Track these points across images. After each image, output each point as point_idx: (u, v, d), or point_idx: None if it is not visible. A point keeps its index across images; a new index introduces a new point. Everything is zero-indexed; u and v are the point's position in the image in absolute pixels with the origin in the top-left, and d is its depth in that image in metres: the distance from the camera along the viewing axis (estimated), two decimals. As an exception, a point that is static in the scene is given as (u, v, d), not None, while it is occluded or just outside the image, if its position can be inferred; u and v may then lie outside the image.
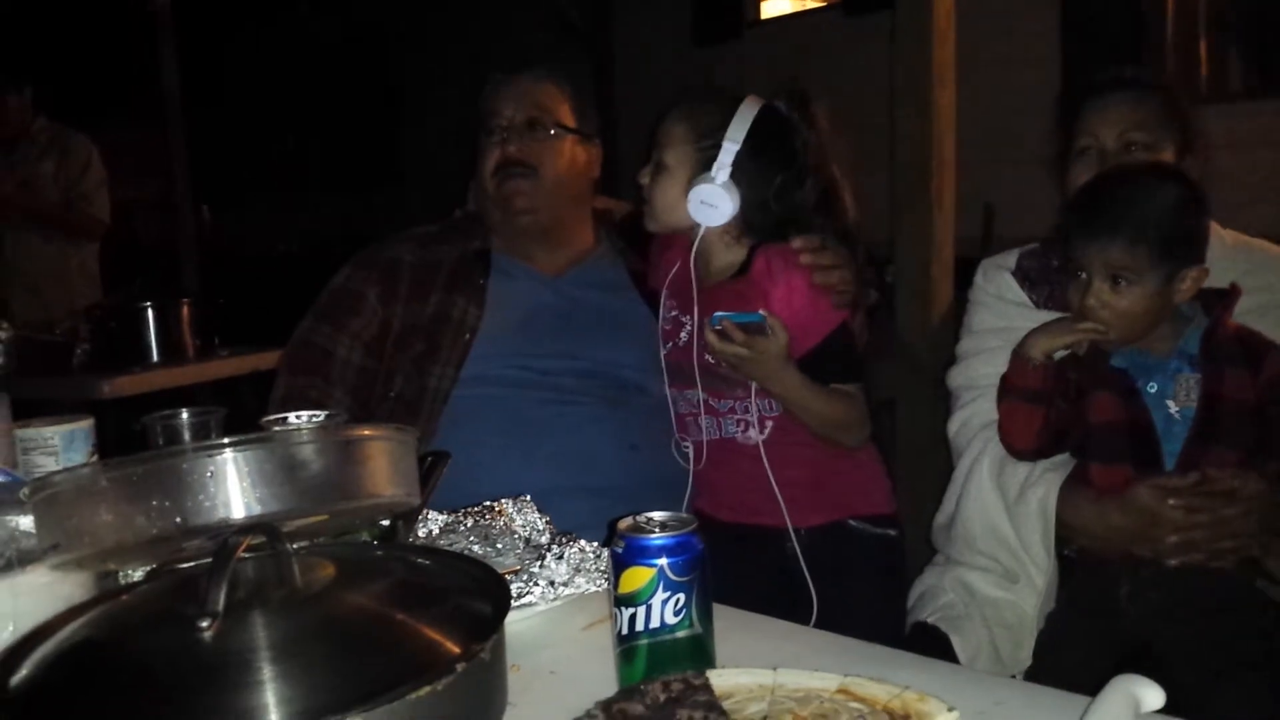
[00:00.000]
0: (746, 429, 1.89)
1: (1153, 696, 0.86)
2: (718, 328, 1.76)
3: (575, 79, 2.19)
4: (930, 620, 1.73)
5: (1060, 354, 1.65)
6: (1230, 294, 1.62)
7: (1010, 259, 1.92)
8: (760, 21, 9.25)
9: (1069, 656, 1.62)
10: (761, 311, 1.76)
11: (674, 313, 1.97)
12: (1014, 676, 1.67)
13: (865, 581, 1.88)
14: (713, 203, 1.84)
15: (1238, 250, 1.79)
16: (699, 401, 1.92)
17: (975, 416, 1.84)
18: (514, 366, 1.97)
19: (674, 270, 1.97)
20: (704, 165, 1.86)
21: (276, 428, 1.25)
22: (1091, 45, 6.31)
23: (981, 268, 1.95)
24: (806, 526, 1.87)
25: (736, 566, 1.72)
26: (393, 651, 0.83)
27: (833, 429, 1.88)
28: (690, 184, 1.86)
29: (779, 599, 1.75)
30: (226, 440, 0.87)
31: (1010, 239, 1.97)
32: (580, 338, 2.01)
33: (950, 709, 0.86)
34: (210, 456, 0.87)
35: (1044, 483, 1.68)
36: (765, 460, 1.85)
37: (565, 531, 1.28)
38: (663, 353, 1.97)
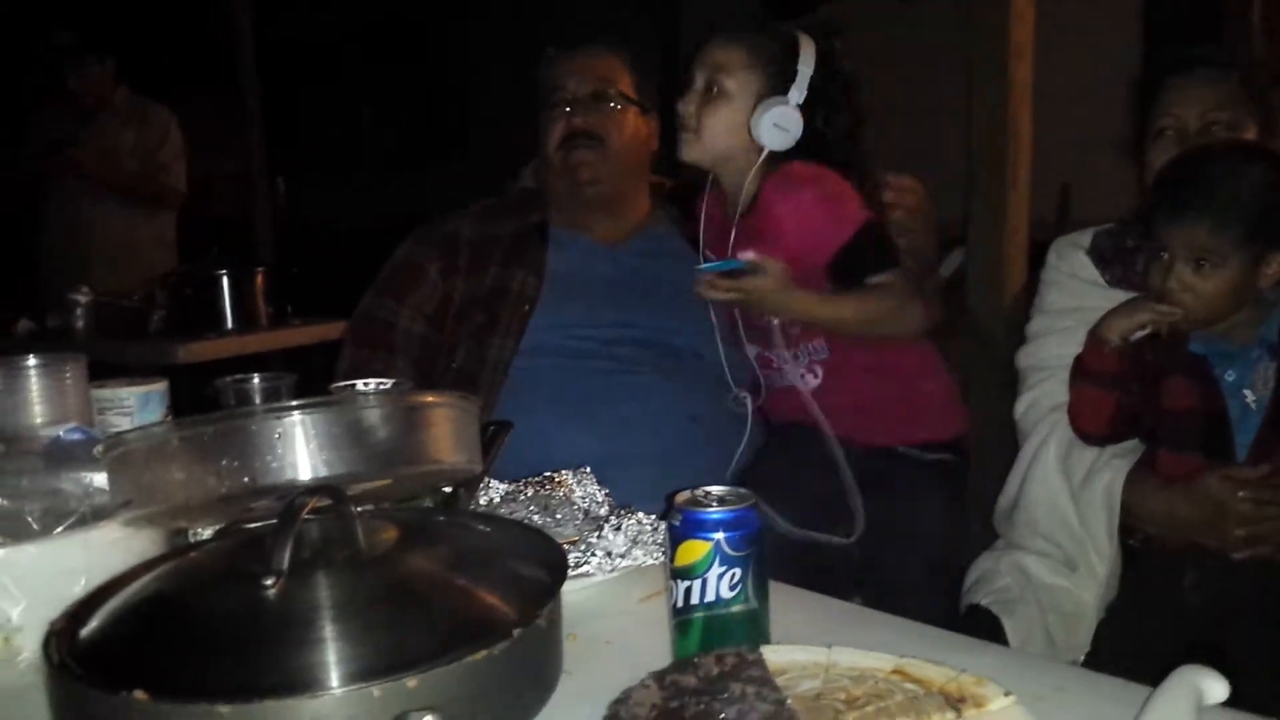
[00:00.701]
0: (803, 375, 1.92)
1: (1217, 688, 0.85)
2: (704, 283, 1.81)
3: (636, 53, 2.20)
4: (984, 603, 1.72)
5: (1138, 335, 1.62)
6: None
7: (1085, 238, 1.88)
8: (828, 2, 9.11)
9: (1130, 646, 1.60)
10: (740, 257, 1.79)
11: (707, 255, 1.99)
12: (1071, 664, 1.65)
13: (915, 511, 1.89)
14: (786, 126, 1.87)
15: None
16: (755, 355, 1.96)
17: (1044, 398, 1.81)
18: (572, 337, 1.99)
19: (703, 218, 2.00)
20: (771, 90, 1.88)
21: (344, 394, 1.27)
22: (1174, 25, 6.13)
23: (1055, 246, 1.92)
24: (857, 447, 1.86)
25: (791, 469, 1.85)
26: (452, 615, 0.84)
27: (874, 327, 1.88)
28: (757, 108, 1.87)
29: (832, 507, 1.81)
30: (294, 403, 0.89)
31: (1086, 222, 1.93)
32: (637, 306, 2.03)
33: (1007, 693, 0.85)
34: (279, 418, 0.88)
35: (1111, 468, 1.65)
36: (815, 404, 1.87)
37: (624, 504, 1.28)
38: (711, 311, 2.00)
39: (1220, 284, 1.52)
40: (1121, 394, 1.60)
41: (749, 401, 1.98)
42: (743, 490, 1.01)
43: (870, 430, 1.91)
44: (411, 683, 0.74)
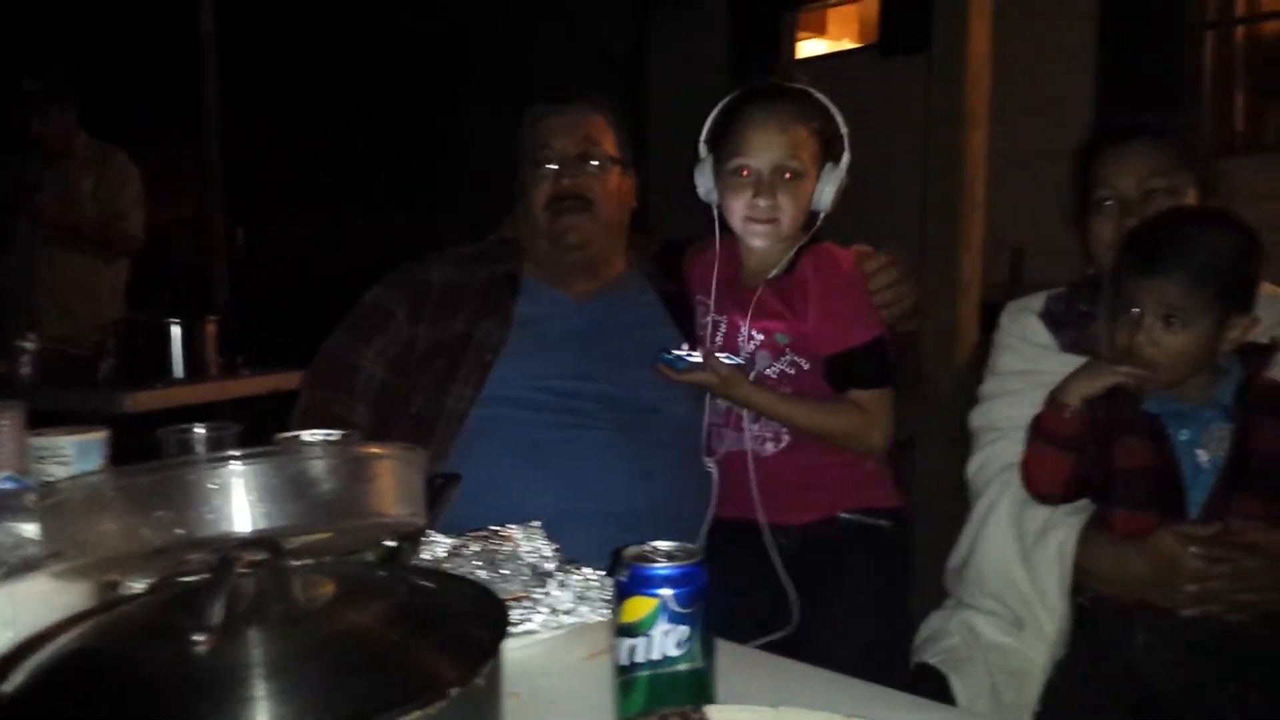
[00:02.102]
0: (764, 442, 1.94)
1: (1164, 750, 0.84)
2: (660, 368, 1.85)
3: (616, 109, 2.21)
4: (932, 662, 1.71)
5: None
6: (1270, 348, 1.60)
7: (1037, 302, 1.90)
8: (796, 61, 9.29)
9: (1079, 704, 1.59)
10: (697, 355, 1.83)
11: (710, 315, 2.00)
12: (1019, 724, 1.64)
13: (857, 573, 1.92)
14: (835, 189, 1.94)
15: (1272, 301, 1.76)
16: (724, 409, 1.97)
17: (995, 458, 1.82)
18: (532, 388, 1.98)
19: (714, 274, 2.00)
20: (825, 157, 1.94)
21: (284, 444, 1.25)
22: (1126, 95, 6.29)
23: (1007, 310, 1.94)
24: (799, 524, 1.92)
25: (736, 562, 1.87)
26: (388, 673, 0.81)
27: (831, 439, 1.92)
28: (821, 177, 1.93)
29: (775, 596, 1.87)
30: (232, 453, 0.87)
31: (1038, 284, 1.96)
32: (601, 360, 2.02)
33: (953, 755, 0.85)
34: (215, 469, 0.86)
35: (1064, 526, 1.66)
36: (751, 468, 1.92)
37: (573, 560, 1.27)
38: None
39: (1187, 342, 1.55)
40: (1078, 456, 1.62)
41: (714, 465, 1.99)
42: (691, 546, 1.00)
43: (814, 502, 1.95)
44: (343, 743, 0.72)
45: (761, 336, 1.93)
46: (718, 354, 1.86)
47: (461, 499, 1.72)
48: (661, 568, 0.95)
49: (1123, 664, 1.58)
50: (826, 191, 1.93)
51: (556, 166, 2.08)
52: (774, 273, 1.95)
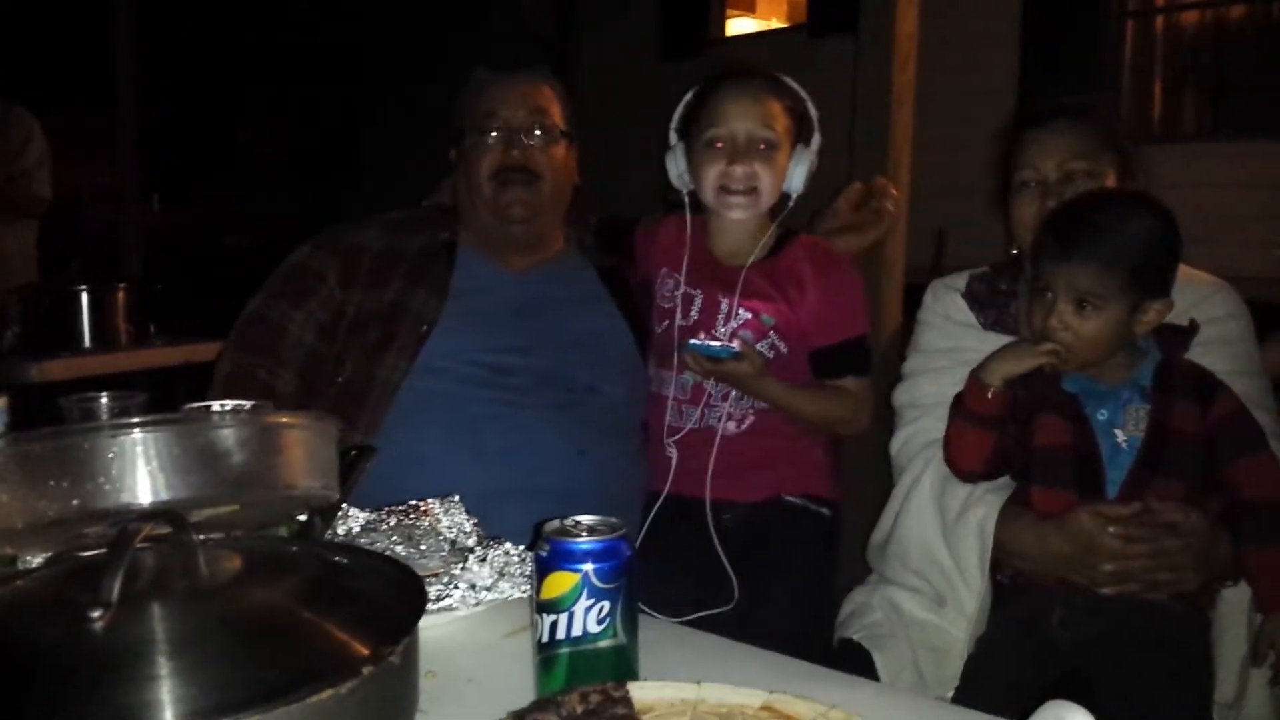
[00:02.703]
0: (729, 420, 1.93)
1: (1082, 724, 0.84)
2: (689, 355, 1.83)
3: (561, 82, 2.16)
4: (856, 637, 1.72)
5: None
6: (1187, 331, 1.62)
7: (960, 280, 1.91)
8: (725, 39, 9.29)
9: (998, 681, 1.61)
10: (736, 345, 1.80)
11: (683, 289, 1.97)
12: (939, 699, 1.66)
13: (794, 555, 1.94)
14: (806, 170, 1.95)
15: (1185, 285, 1.79)
16: (690, 385, 1.95)
17: (918, 435, 1.83)
18: (466, 362, 1.92)
19: (683, 251, 1.98)
20: (798, 136, 1.95)
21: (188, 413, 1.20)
22: (1049, 80, 6.38)
23: (931, 288, 1.95)
24: (746, 501, 1.94)
25: (683, 538, 1.90)
26: (297, 651, 0.78)
27: (821, 424, 1.97)
28: (793, 154, 1.95)
29: (718, 573, 1.87)
30: (132, 421, 0.83)
31: (961, 265, 1.97)
32: (536, 336, 1.98)
33: (875, 730, 0.84)
34: (113, 437, 0.82)
35: (984, 503, 1.67)
36: (716, 445, 1.91)
37: (494, 535, 1.24)
38: (658, 330, 2.01)
39: (1100, 326, 1.56)
40: (999, 435, 1.63)
41: (672, 443, 1.97)
42: (614, 520, 0.98)
43: (761, 482, 1.95)
44: (250, 724, 0.69)
45: (748, 315, 1.91)
46: (713, 341, 1.84)
47: (391, 473, 1.69)
48: (583, 542, 0.93)
49: (1042, 641, 1.60)
50: (798, 172, 1.94)
51: (503, 135, 2.02)
52: (758, 254, 1.95)
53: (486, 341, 1.95)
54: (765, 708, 0.87)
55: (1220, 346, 1.69)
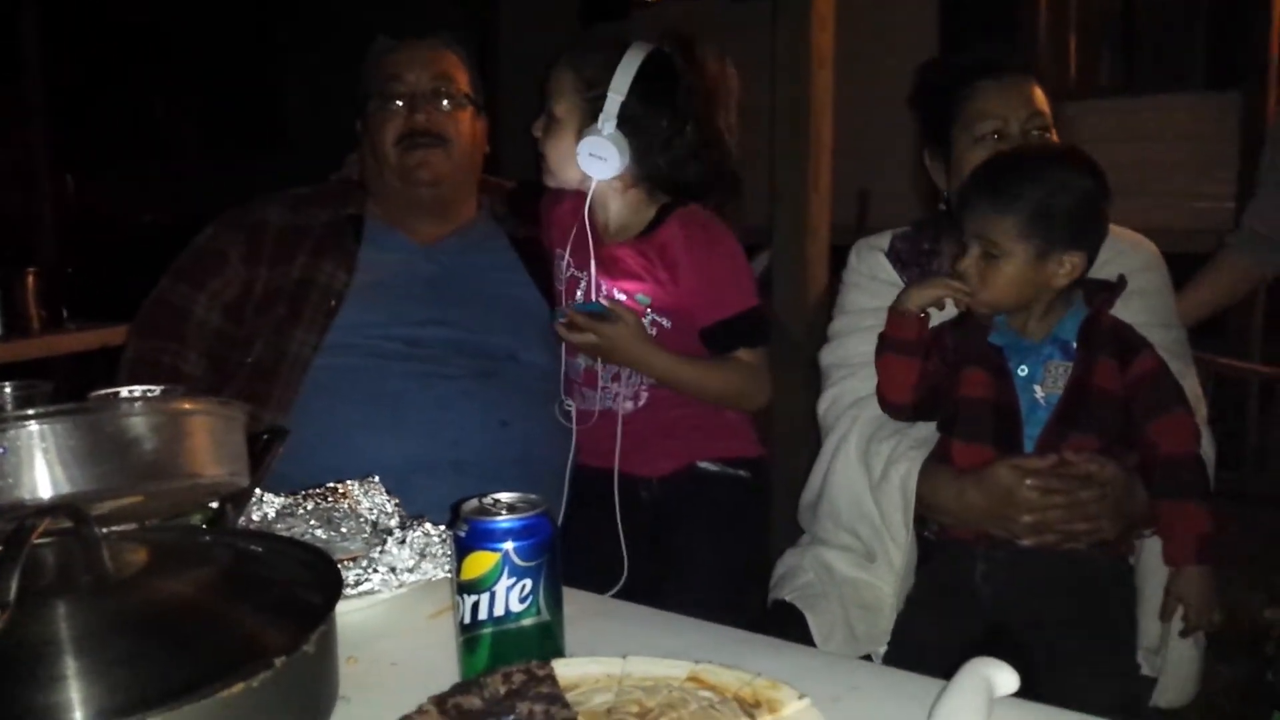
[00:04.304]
0: (623, 400, 1.91)
1: (1007, 680, 0.85)
2: (563, 320, 1.79)
3: (469, 48, 2.12)
4: (788, 599, 1.73)
5: (936, 313, 1.68)
6: (1115, 286, 1.63)
7: (884, 240, 1.92)
8: (647, 3, 9.20)
9: (927, 637, 1.63)
10: (604, 300, 1.79)
11: (570, 271, 1.93)
12: (869, 657, 1.67)
13: (716, 521, 1.93)
14: (601, 155, 1.82)
15: (1117, 240, 1.80)
16: (582, 369, 1.93)
17: (845, 394, 1.83)
18: (379, 336, 1.90)
19: (574, 228, 1.92)
20: (592, 116, 1.83)
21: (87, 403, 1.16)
22: (966, 39, 6.43)
23: (855, 248, 1.95)
24: (658, 476, 1.92)
25: (594, 512, 1.88)
26: (208, 645, 0.76)
27: (716, 398, 1.92)
28: (579, 136, 1.83)
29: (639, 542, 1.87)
30: (26, 412, 0.79)
31: (884, 226, 1.98)
32: (451, 306, 1.95)
33: (801, 696, 0.84)
34: (8, 429, 0.79)
35: (906, 459, 1.69)
36: (619, 426, 1.89)
37: (417, 515, 1.22)
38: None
39: (1006, 274, 1.58)
40: (924, 363, 1.65)
41: (574, 413, 1.95)
42: (534, 497, 0.97)
43: (672, 452, 1.94)
44: (159, 722, 0.67)
45: (623, 297, 1.87)
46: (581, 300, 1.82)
47: (310, 450, 1.66)
48: (502, 521, 0.92)
49: (966, 595, 1.63)
50: (580, 152, 1.83)
51: (407, 101, 1.98)
52: (628, 234, 1.90)
53: (400, 314, 1.92)
54: (691, 679, 0.87)
55: (1137, 298, 1.72)
